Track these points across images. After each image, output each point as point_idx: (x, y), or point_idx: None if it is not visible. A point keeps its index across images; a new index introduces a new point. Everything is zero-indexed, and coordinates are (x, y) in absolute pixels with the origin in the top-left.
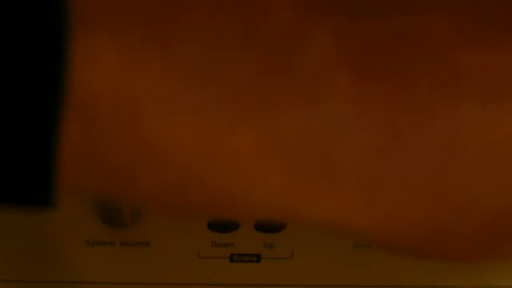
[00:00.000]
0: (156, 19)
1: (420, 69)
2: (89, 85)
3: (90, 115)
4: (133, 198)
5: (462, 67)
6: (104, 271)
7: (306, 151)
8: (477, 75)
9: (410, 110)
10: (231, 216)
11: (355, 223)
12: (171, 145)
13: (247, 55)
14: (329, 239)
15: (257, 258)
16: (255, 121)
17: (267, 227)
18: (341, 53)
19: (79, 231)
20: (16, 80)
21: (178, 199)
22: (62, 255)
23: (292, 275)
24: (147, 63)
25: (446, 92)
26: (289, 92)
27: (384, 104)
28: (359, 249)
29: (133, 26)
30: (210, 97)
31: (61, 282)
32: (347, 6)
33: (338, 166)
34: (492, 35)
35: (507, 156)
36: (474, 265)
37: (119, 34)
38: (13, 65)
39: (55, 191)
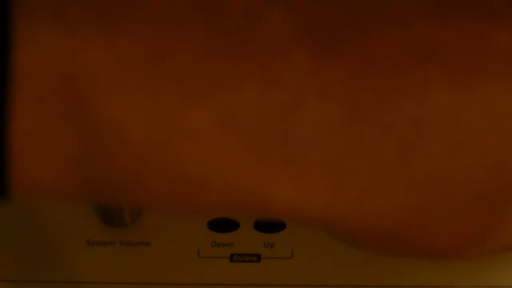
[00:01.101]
0: None
1: (381, 44)
2: (34, 68)
3: (38, 98)
4: (97, 187)
5: (425, 43)
6: (104, 271)
7: (264, 129)
8: (441, 50)
9: (371, 86)
10: (191, 207)
11: (322, 209)
12: (123, 127)
13: (198, 31)
14: (329, 239)
15: (257, 258)
16: (207, 98)
17: (267, 227)
18: (298, 30)
19: (79, 231)
20: None
21: (135, 186)
22: (62, 255)
23: (292, 275)
24: (92, 43)
25: (409, 67)
26: (243, 69)
27: (344, 80)
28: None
29: (77, 7)
30: (160, 75)
31: (61, 282)
32: None
33: (298, 144)
34: (457, 12)
35: (477, 133)
36: (456, 263)
37: (63, 15)
38: None
39: (7, 181)
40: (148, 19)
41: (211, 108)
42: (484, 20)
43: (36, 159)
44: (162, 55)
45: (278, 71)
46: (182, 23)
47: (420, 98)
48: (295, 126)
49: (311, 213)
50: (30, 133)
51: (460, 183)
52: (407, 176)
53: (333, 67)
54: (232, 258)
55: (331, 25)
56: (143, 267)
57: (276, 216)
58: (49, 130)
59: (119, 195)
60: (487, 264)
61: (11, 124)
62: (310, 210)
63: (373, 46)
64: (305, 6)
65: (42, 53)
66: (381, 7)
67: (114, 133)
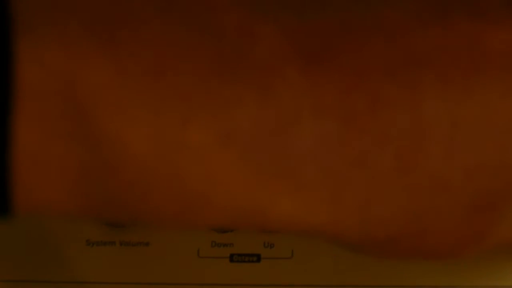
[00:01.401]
0: (102, 18)
1: (372, 55)
2: (36, 85)
3: (39, 115)
4: (99, 204)
5: (418, 50)
6: (104, 271)
7: (262, 144)
8: (434, 55)
9: (364, 96)
10: (192, 222)
11: (322, 220)
12: (124, 143)
13: (196, 51)
14: None
15: (257, 258)
16: (207, 116)
17: None
18: (290, 46)
19: (79, 231)
20: None
21: (137, 202)
22: (62, 255)
23: (292, 275)
24: (94, 60)
25: (401, 75)
26: (239, 87)
27: (337, 93)
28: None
29: (78, 25)
30: (160, 93)
31: (61, 282)
32: (293, 4)
33: (295, 158)
34: (450, 15)
35: (474, 136)
36: (456, 263)
37: (64, 33)
38: None
39: (10, 198)
40: (147, 39)
41: (210, 124)
42: (478, 22)
43: (38, 177)
44: (162, 73)
45: (273, 87)
46: (179, 42)
47: (413, 105)
48: (292, 141)
49: (311, 226)
50: (32, 150)
51: (458, 186)
52: (405, 184)
53: (325, 81)
54: (232, 258)
55: (321, 39)
56: (143, 267)
57: (276, 230)
58: (51, 147)
59: (121, 212)
60: (487, 264)
61: (13, 141)
62: (309, 223)
63: (364, 57)
64: (296, 22)
65: (43, 71)
66: (371, 18)
67: (116, 150)
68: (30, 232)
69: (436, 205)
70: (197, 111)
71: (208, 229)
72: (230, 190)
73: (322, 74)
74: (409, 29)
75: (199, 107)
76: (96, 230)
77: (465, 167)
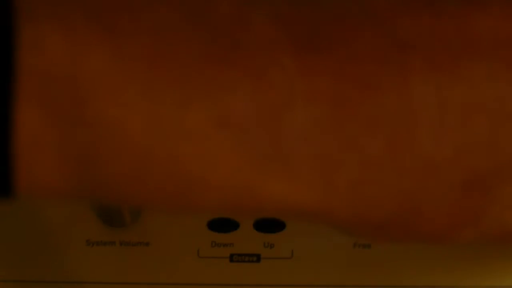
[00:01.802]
0: (102, 5)
1: (361, 40)
2: (37, 70)
3: (40, 100)
4: (97, 187)
5: (406, 33)
6: (104, 271)
7: (257, 128)
8: (421, 38)
9: (354, 80)
10: (189, 206)
11: (316, 203)
12: (123, 128)
13: (192, 38)
14: (329, 239)
15: (257, 258)
16: (203, 100)
17: (267, 227)
18: (282, 34)
19: (79, 231)
20: None
21: (135, 186)
22: (62, 255)
23: (292, 275)
24: (94, 47)
25: (389, 58)
26: (234, 72)
27: (328, 77)
28: (359, 249)
29: (79, 13)
30: (158, 78)
31: (61, 282)
32: None
33: (289, 142)
34: (437, 2)
35: (462, 118)
36: (456, 263)
37: (65, 20)
38: None
39: (11, 180)
40: (145, 26)
41: (207, 109)
42: (465, 8)
43: (39, 160)
44: (159, 60)
45: (267, 73)
46: (176, 29)
47: (402, 87)
48: (286, 125)
49: (305, 208)
50: (32, 134)
51: (449, 166)
52: (396, 165)
53: (317, 66)
54: (232, 258)
55: (314, 25)
56: (143, 267)
57: (271, 213)
58: (51, 131)
59: (119, 195)
60: (487, 264)
61: (14, 125)
62: (303, 204)
63: (354, 43)
64: (288, 10)
65: (45, 57)
66: (360, 5)
67: (114, 134)
68: (30, 232)
69: (427, 185)
70: (192, 96)
71: (208, 230)
72: (225, 172)
73: (313, 60)
74: (397, 16)
75: (194, 91)
76: (96, 230)
77: (455, 148)
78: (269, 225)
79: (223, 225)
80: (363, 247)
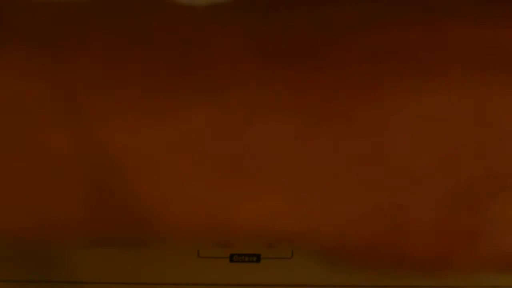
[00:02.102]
0: (50, 37)
1: (329, 51)
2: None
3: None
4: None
5: (375, 42)
6: (104, 271)
7: (217, 149)
8: (391, 50)
9: (320, 93)
10: (150, 234)
11: (288, 223)
12: (82, 152)
13: (146, 56)
14: None
15: (257, 258)
16: (158, 122)
17: None
18: (240, 47)
19: None
20: None
21: (91, 217)
22: (62, 255)
23: (292, 275)
24: (42, 75)
25: (362, 70)
26: (192, 90)
27: (293, 91)
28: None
29: (25, 45)
30: (109, 105)
31: (61, 282)
32: (257, 9)
33: (254, 160)
34: (407, 10)
35: (438, 125)
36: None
37: (10, 53)
38: None
39: None
40: (98, 46)
41: (165, 130)
42: (436, 15)
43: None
44: (111, 80)
45: (226, 89)
46: (130, 48)
47: (373, 97)
48: (248, 143)
49: (277, 230)
50: None
51: (430, 178)
52: (370, 179)
53: (282, 79)
54: (232, 258)
55: (279, 39)
56: (143, 267)
57: (244, 237)
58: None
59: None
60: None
61: None
62: (274, 226)
63: (321, 53)
64: (254, 23)
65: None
66: (331, 15)
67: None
68: None
69: (410, 200)
70: (150, 116)
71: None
72: (188, 196)
73: (278, 73)
74: (367, 24)
75: (150, 113)
76: None
77: (433, 157)
78: None
79: None
80: None
